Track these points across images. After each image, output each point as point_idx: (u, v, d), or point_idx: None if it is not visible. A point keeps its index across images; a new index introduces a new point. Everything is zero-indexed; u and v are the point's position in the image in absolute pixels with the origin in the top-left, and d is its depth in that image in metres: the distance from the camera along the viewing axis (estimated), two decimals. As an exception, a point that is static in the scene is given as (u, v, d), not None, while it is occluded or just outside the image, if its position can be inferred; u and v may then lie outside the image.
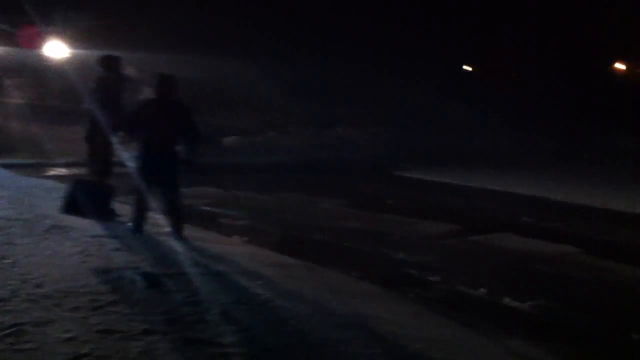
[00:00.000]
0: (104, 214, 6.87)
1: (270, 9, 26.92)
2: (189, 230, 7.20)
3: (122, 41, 21.30)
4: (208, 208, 9.50)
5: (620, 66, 30.62)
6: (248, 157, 17.71)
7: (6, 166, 11.56)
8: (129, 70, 7.63)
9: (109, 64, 7.67)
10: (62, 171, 12.00)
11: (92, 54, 20.28)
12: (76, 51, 20.39)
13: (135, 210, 6.75)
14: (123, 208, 7.33)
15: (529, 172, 16.24)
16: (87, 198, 6.75)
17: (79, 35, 20.95)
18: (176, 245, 6.26)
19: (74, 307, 4.29)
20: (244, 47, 25.49)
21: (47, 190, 8.17)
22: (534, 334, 4.93)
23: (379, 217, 9.52)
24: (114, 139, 7.24)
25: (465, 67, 33.61)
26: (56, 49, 19.87)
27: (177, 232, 6.61)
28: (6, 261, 5.36)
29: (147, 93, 7.04)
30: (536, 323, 5.27)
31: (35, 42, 19.08)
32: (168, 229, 6.69)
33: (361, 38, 28.14)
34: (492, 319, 5.24)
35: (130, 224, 6.78)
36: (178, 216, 6.71)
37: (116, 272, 5.16)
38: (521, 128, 25.71)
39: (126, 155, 7.20)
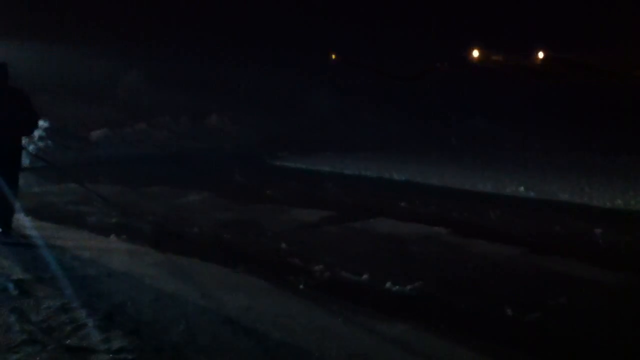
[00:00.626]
0: None
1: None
2: (58, 231, 6.89)
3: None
4: (76, 206, 9.05)
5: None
6: (117, 150, 17.05)
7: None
8: None
9: None
10: None
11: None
12: None
13: None
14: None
15: (396, 157, 16.87)
16: None
17: None
18: (48, 249, 5.93)
19: (-61, 321, 3.96)
20: (108, 35, 24.56)
21: None
22: (413, 316, 5.09)
23: (256, 207, 9.50)
24: None
25: (332, 56, 34.34)
26: None
27: (8, 226, 6.42)
28: None
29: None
30: (416, 306, 5.46)
31: None
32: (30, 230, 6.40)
33: (229, 27, 27.96)
34: (374, 304, 5.35)
35: None
36: (12, 209, 6.51)
37: (-16, 280, 4.81)
38: (380, 115, 26.57)
39: None
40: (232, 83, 26.96)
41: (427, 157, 17.18)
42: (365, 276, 6.05)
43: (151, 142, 18.87)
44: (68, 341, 3.77)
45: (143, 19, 26.33)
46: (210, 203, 9.77)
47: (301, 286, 5.57)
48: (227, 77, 26.66)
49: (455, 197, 11.06)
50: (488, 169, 14.61)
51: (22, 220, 7.14)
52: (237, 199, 10.07)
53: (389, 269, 6.33)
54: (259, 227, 8.10)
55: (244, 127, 22.37)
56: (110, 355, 3.61)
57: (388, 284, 5.82)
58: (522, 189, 11.73)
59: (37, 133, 15.96)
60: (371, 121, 25.95)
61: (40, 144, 15.70)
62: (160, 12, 27.24)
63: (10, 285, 4.69)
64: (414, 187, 12.18)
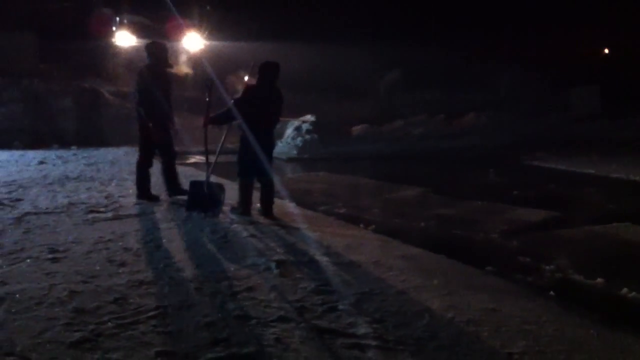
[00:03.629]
0: (218, 209, 7.15)
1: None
2: (315, 218, 7.39)
3: (254, 33, 22.04)
4: (325, 194, 9.68)
5: None
6: (374, 145, 17.77)
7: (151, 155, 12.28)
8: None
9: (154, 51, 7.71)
10: (201, 159, 12.57)
11: (225, 45, 21.23)
12: (211, 43, 21.38)
13: (242, 192, 7.15)
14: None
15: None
16: (205, 198, 7.15)
17: (213, 28, 21.91)
18: (307, 234, 6.38)
19: (213, 292, 4.48)
20: (367, 35, 25.51)
21: (187, 178, 8.55)
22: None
23: (499, 207, 9.21)
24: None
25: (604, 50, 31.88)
26: (193, 41, 20.90)
27: (269, 211, 7.16)
28: (151, 245, 5.70)
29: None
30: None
31: (177, 35, 20.20)
32: (295, 218, 7.02)
33: (474, 25, 27.43)
34: (619, 314, 4.90)
35: (236, 207, 7.20)
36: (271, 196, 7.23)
37: (251, 258, 5.33)
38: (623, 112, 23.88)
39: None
40: (492, 81, 26.46)
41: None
42: (599, 280, 5.59)
43: (406, 139, 19.32)
44: (319, 322, 4.02)
45: (406, 18, 26.93)
46: (438, 199, 9.76)
47: (551, 293, 5.28)
48: (488, 75, 26.20)
49: None
50: None
51: (287, 206, 7.80)
52: (476, 197, 9.85)
53: (627, 275, 5.78)
54: (495, 225, 7.87)
55: (501, 125, 21.77)
56: (356, 340, 3.77)
57: (624, 290, 5.31)
58: None
59: (304, 127, 17.30)
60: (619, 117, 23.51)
61: (307, 137, 16.92)
62: (424, 10, 27.62)
63: (273, 265, 5.14)
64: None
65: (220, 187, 7.28)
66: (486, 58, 26.64)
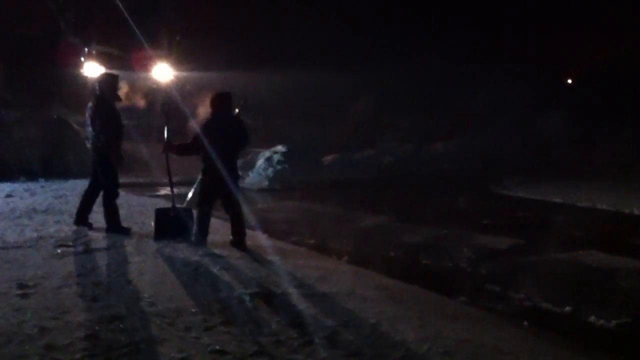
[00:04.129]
0: (187, 233, 7.16)
1: (364, 22, 27.16)
2: (287, 249, 7.36)
3: (222, 62, 22.12)
4: (296, 224, 9.69)
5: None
6: (344, 173, 17.87)
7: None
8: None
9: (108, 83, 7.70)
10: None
11: (194, 75, 21.24)
12: (180, 73, 21.43)
13: (199, 222, 7.07)
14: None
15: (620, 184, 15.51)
16: (172, 224, 7.17)
17: (182, 58, 21.98)
18: (279, 266, 6.36)
19: (187, 326, 4.42)
20: (341, 61, 25.72)
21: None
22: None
23: (466, 234, 9.29)
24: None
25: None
26: (163, 72, 20.91)
27: (242, 243, 7.08)
28: (122, 279, 5.62)
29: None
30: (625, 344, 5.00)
31: (146, 65, 20.23)
32: (267, 250, 7.02)
33: (449, 47, 27.80)
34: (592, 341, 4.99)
35: (194, 236, 7.09)
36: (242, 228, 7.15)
37: (224, 291, 5.29)
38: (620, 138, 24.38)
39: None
40: (462, 106, 26.79)
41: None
42: (567, 308, 5.69)
43: (376, 166, 19.48)
44: (294, 356, 3.99)
45: (378, 45, 27.23)
46: (405, 228, 9.80)
47: (525, 323, 5.33)
48: (458, 101, 26.54)
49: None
50: None
51: (259, 237, 7.77)
52: (444, 224, 9.93)
53: (594, 302, 5.90)
54: (461, 254, 7.96)
55: (470, 152, 22.08)
56: (332, 374, 3.76)
57: (592, 318, 5.41)
58: None
59: (275, 157, 17.31)
60: (607, 146, 24.01)
61: (278, 167, 16.92)
62: (394, 38, 27.96)
63: (247, 298, 5.10)
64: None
65: (188, 212, 7.29)
66: (460, 82, 27.02)
